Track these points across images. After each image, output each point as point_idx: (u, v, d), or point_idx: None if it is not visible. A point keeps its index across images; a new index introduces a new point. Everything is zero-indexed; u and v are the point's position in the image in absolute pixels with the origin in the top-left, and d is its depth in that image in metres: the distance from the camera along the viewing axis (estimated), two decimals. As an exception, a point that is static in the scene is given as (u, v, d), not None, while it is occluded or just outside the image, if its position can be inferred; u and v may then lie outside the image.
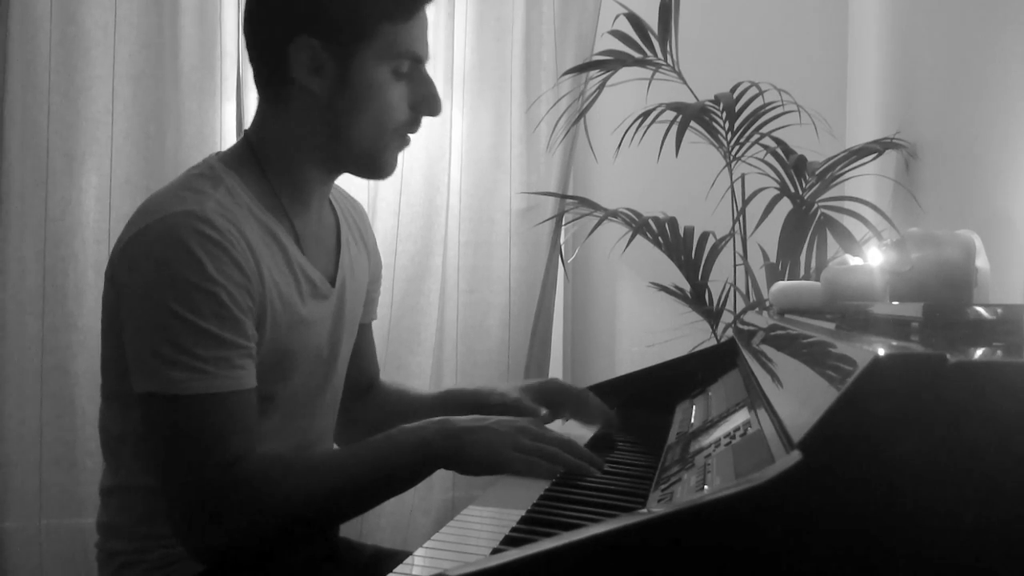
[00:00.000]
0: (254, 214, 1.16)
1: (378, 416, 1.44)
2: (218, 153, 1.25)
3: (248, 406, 1.09)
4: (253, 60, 1.22)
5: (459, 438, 1.10)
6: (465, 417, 1.14)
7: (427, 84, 1.22)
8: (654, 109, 2.20)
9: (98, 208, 2.32)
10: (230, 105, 2.44)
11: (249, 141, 1.23)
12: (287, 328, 1.17)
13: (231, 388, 1.06)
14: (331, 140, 1.19)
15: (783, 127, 2.17)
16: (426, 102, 1.22)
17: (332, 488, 1.09)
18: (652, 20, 2.25)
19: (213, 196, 1.12)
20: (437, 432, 1.11)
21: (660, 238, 2.28)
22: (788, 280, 2.04)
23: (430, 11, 1.25)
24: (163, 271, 1.06)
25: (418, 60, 1.21)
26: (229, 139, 2.43)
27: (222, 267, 1.07)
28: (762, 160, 2.21)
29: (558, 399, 1.42)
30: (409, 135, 1.24)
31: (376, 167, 1.24)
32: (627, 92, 2.31)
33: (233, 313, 1.07)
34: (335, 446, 1.39)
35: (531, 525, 0.90)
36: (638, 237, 2.26)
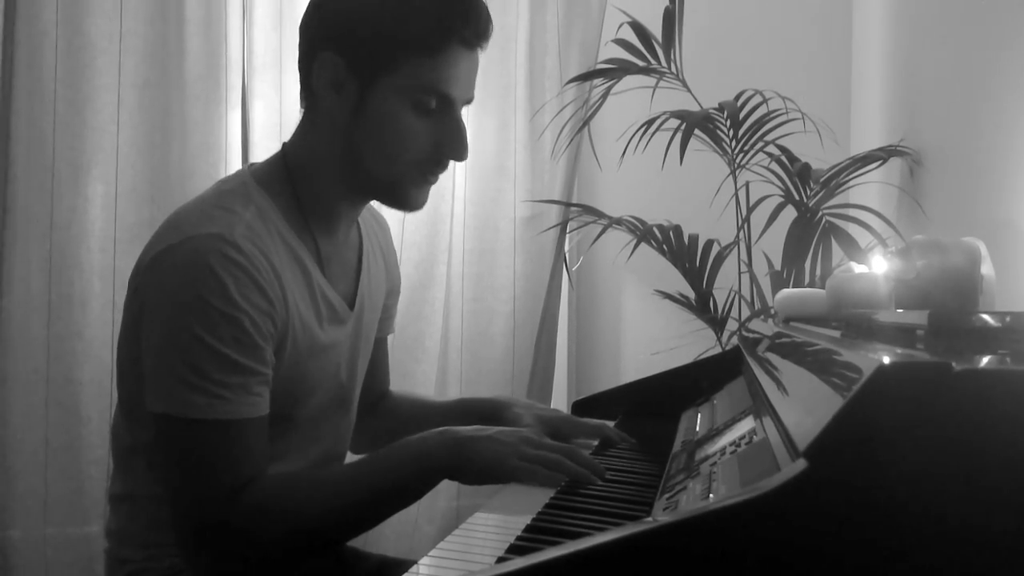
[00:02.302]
0: (282, 236, 1.15)
1: (393, 424, 1.44)
2: (251, 166, 1.23)
3: (260, 432, 1.09)
4: (298, 68, 1.21)
5: (461, 448, 1.10)
6: (467, 427, 1.14)
7: (454, 127, 1.17)
8: (658, 117, 2.20)
9: (104, 217, 2.33)
10: (235, 114, 2.45)
11: (285, 156, 1.22)
12: (306, 353, 1.17)
13: (246, 415, 1.06)
14: (349, 163, 1.18)
15: (787, 135, 2.18)
16: (450, 145, 1.17)
17: (337, 506, 1.09)
18: (656, 28, 2.25)
19: (243, 218, 1.11)
20: (439, 443, 1.11)
21: (664, 246, 2.28)
22: (793, 288, 2.04)
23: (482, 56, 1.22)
24: (187, 294, 1.05)
25: (446, 98, 1.16)
26: (234, 148, 2.44)
27: (247, 293, 1.06)
28: (766, 168, 2.21)
29: (571, 435, 1.36)
30: (436, 174, 1.20)
31: (397, 199, 1.21)
32: (631, 100, 2.31)
33: (254, 340, 1.07)
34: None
35: (536, 534, 0.90)
36: (642, 245, 2.26)
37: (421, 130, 1.15)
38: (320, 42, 1.15)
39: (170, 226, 1.13)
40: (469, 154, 2.20)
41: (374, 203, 1.37)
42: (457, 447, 1.10)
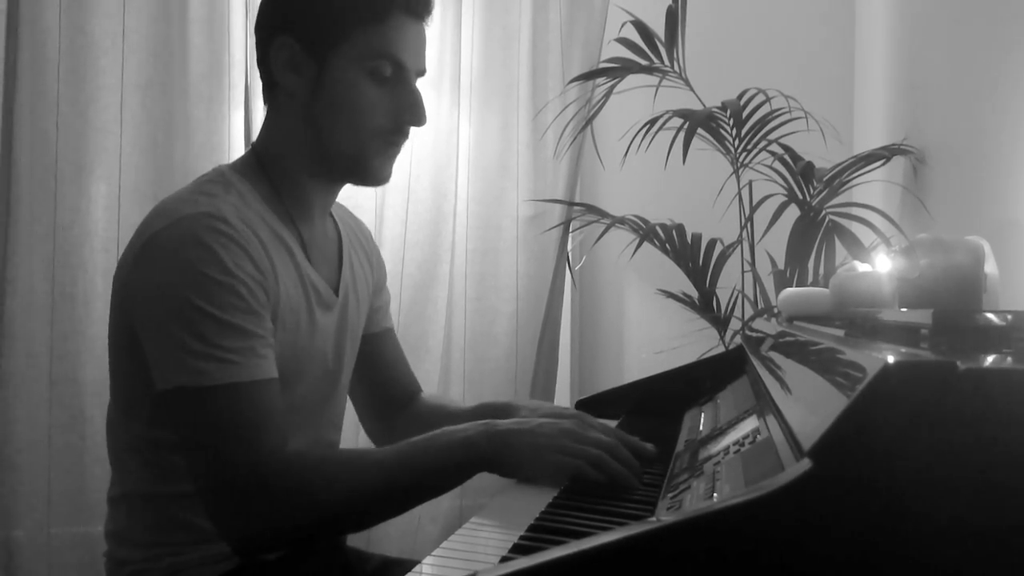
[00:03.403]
0: (264, 219, 1.18)
1: (419, 430, 1.44)
2: (227, 163, 1.27)
3: (275, 396, 1.09)
4: (257, 65, 1.26)
5: (503, 440, 1.09)
6: (509, 420, 1.14)
7: (409, 92, 1.22)
8: (661, 116, 2.20)
9: (107, 217, 2.33)
10: (238, 113, 2.45)
11: (256, 151, 1.26)
12: (294, 334, 1.18)
13: (258, 376, 1.07)
14: (315, 143, 1.21)
15: (790, 133, 2.17)
16: (407, 110, 1.22)
17: (372, 484, 1.08)
18: (659, 27, 2.25)
19: (226, 199, 1.15)
20: (481, 434, 1.10)
21: (667, 245, 2.28)
22: (796, 287, 2.03)
23: (434, 24, 1.25)
24: (182, 268, 1.07)
25: (399, 65, 1.21)
26: (237, 147, 2.44)
27: (239, 262, 1.09)
28: (769, 167, 2.21)
29: None
30: (398, 143, 1.25)
31: (363, 173, 1.24)
32: (634, 99, 2.31)
33: (251, 306, 1.09)
34: None
35: (540, 533, 0.90)
36: (645, 244, 2.25)
37: (379, 99, 1.20)
38: (274, 29, 1.21)
39: (154, 216, 1.15)
40: (472, 152, 2.22)
41: (360, 200, 1.38)
42: (499, 438, 1.09)
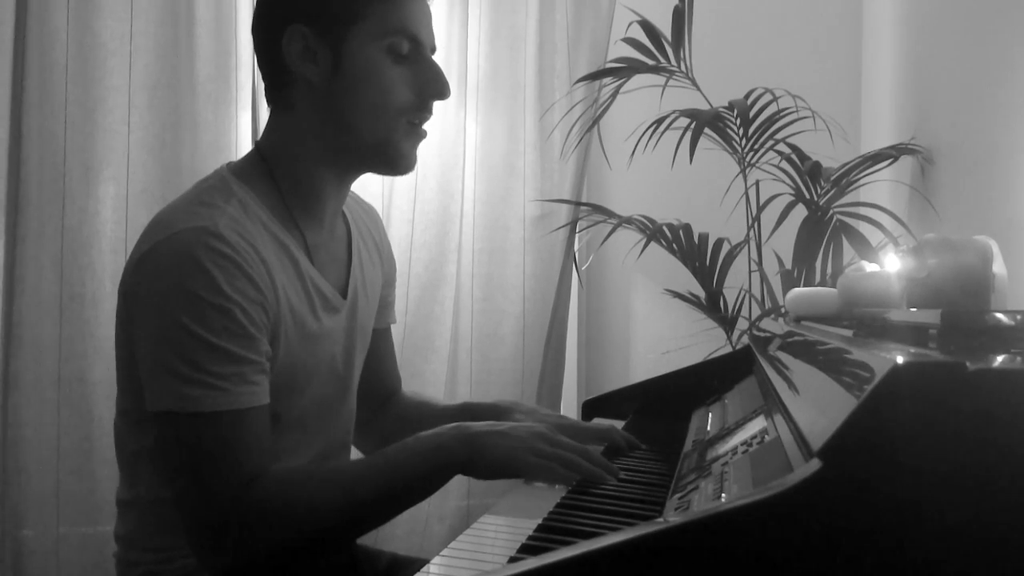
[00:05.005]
0: (266, 227, 1.15)
1: (396, 426, 1.43)
2: (229, 164, 1.23)
3: (263, 422, 1.08)
4: (259, 65, 1.23)
5: (475, 443, 1.09)
6: (481, 423, 1.14)
7: (430, 66, 1.20)
8: (668, 116, 2.20)
9: (115, 218, 2.34)
10: (246, 114, 2.45)
11: (260, 151, 1.22)
12: (299, 343, 1.16)
13: (246, 404, 1.06)
14: (337, 132, 1.18)
15: (797, 133, 2.17)
16: (430, 84, 1.19)
17: (349, 501, 1.08)
18: (665, 27, 2.25)
19: (226, 210, 1.11)
20: (453, 438, 1.10)
21: (674, 245, 2.28)
22: (804, 287, 2.03)
23: (441, 25, 1.24)
24: (176, 288, 1.04)
25: (415, 41, 1.18)
26: (245, 148, 2.44)
27: (236, 283, 1.06)
28: (777, 166, 2.21)
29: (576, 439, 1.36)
30: (422, 125, 1.22)
31: (389, 158, 1.21)
32: (641, 99, 2.31)
33: (247, 330, 1.06)
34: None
35: (547, 533, 0.90)
36: (652, 244, 2.25)
37: (400, 76, 1.18)
38: (282, 21, 1.17)
39: (153, 227, 1.13)
40: (479, 153, 2.19)
41: (364, 195, 1.37)
42: (471, 442, 1.09)
